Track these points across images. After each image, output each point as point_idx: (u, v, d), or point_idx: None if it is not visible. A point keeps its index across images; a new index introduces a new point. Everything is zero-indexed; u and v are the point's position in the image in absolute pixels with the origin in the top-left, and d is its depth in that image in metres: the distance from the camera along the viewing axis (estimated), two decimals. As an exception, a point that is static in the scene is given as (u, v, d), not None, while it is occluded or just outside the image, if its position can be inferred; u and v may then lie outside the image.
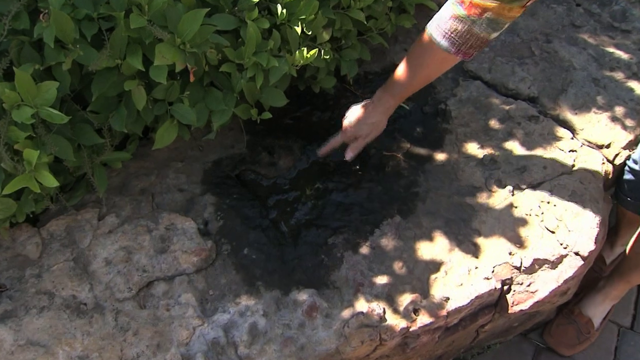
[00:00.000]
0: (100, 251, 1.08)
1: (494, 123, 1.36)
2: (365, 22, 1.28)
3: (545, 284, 1.13)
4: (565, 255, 1.15)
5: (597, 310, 1.49)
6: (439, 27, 0.98)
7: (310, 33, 1.14)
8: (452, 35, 0.96)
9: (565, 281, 1.13)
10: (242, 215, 1.18)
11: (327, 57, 1.20)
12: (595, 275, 1.55)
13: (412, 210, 1.20)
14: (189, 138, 1.16)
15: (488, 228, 1.17)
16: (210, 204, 1.18)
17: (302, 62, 1.10)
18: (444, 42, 0.97)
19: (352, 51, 1.34)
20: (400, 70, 1.08)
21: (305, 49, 1.10)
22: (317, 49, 1.13)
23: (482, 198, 1.22)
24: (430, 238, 1.16)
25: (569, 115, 1.38)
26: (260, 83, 1.07)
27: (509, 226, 1.17)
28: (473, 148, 1.31)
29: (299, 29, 1.10)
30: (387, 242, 1.14)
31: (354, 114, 1.17)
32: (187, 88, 1.06)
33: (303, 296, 1.05)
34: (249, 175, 1.27)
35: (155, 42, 0.92)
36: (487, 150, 1.30)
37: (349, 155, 1.20)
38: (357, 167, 1.25)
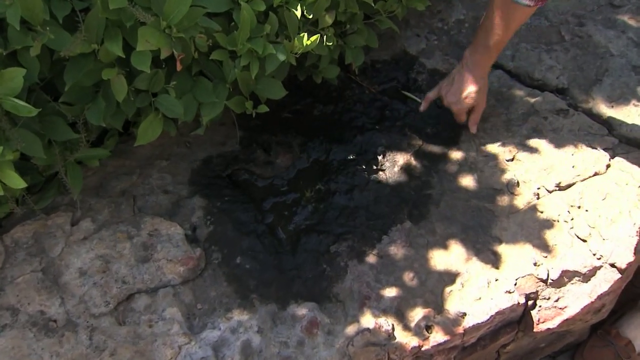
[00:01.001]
0: (73, 260, 1.07)
1: (517, 117, 1.35)
2: (373, 4, 1.28)
3: (576, 299, 1.12)
4: (599, 267, 1.13)
5: (639, 331, 1.46)
6: None
7: (311, 17, 1.14)
8: None
9: (600, 296, 1.12)
10: (234, 219, 1.17)
11: (330, 43, 1.20)
12: (635, 290, 1.52)
13: (424, 215, 1.20)
14: (175, 133, 1.15)
15: (510, 235, 1.16)
16: (199, 208, 1.18)
17: (302, 49, 1.10)
18: (525, 1, 1.09)
19: (358, 37, 1.33)
20: (483, 32, 1.20)
21: (305, 34, 1.09)
22: (318, 34, 1.12)
23: (504, 202, 1.21)
24: (444, 246, 1.15)
25: (604, 109, 1.36)
26: (256, 72, 1.06)
27: (534, 233, 1.16)
28: (493, 146, 1.31)
29: (298, 12, 1.09)
30: (397, 251, 1.14)
31: (454, 91, 1.27)
32: (173, 77, 1.05)
33: (302, 310, 1.05)
34: (243, 175, 1.27)
35: (138, 26, 0.91)
36: (509, 148, 1.29)
37: (474, 130, 1.32)
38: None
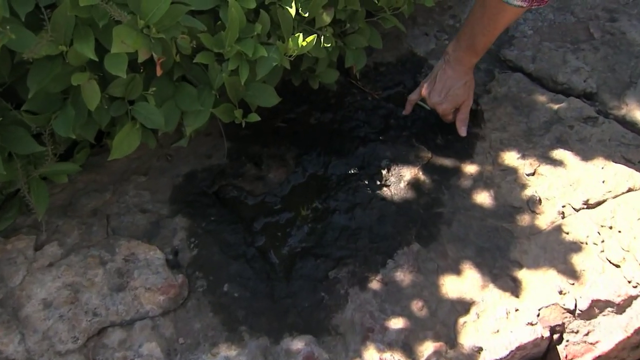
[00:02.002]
0: (36, 290, 1.06)
1: (538, 126, 1.35)
2: (376, 1, 1.29)
3: (610, 333, 1.10)
4: (636, 297, 1.12)
5: None
6: None
7: (307, 15, 1.15)
8: None
9: (637, 331, 1.10)
10: (221, 242, 1.18)
11: (329, 44, 1.21)
12: None
13: (434, 236, 1.20)
14: (154, 146, 1.15)
15: (532, 259, 1.16)
16: (182, 229, 1.19)
17: (297, 51, 1.10)
18: (516, 2, 1.10)
19: (360, 37, 1.34)
20: (468, 30, 1.23)
21: (300, 34, 1.10)
22: (315, 34, 1.13)
23: (524, 221, 1.21)
24: (457, 271, 1.15)
25: (639, 115, 1.37)
26: (245, 77, 1.07)
27: (559, 257, 1.16)
28: (511, 158, 1.31)
29: (292, 10, 1.10)
30: (403, 277, 1.14)
31: (438, 90, 1.30)
32: (152, 83, 1.06)
33: (298, 344, 1.04)
34: (231, 192, 1.27)
35: (112, 25, 0.91)
36: (530, 161, 1.30)
37: (464, 131, 1.34)
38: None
